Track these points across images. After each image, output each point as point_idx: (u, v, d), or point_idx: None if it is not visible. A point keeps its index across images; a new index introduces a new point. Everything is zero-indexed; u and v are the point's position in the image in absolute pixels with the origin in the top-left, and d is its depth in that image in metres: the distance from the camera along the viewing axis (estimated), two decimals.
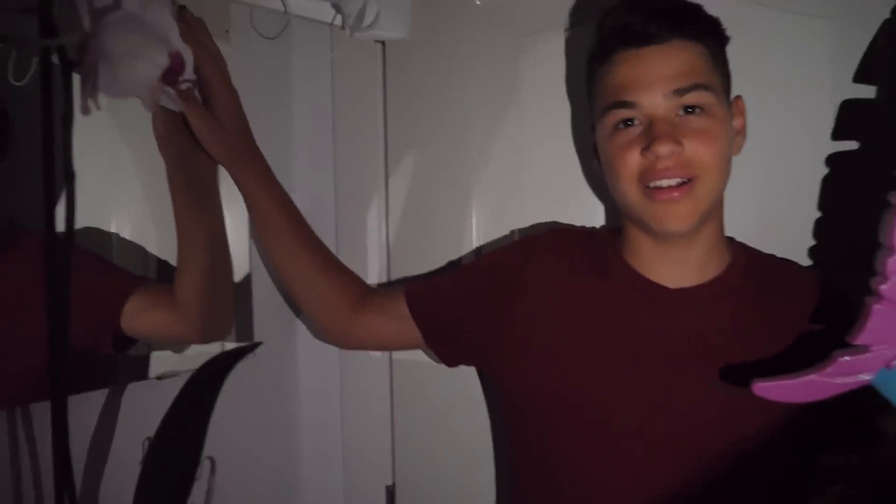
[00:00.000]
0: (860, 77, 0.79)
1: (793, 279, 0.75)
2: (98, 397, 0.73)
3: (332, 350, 1.05)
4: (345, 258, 0.93)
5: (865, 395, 0.56)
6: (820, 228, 0.82)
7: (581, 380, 0.75)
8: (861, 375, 0.53)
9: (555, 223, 0.93)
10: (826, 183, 0.82)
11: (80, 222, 0.63)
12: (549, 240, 0.84)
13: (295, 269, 0.84)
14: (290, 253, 0.83)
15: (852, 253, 0.61)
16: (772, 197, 0.84)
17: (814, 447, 0.70)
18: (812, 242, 0.82)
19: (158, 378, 0.77)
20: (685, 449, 0.71)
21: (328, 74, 1.05)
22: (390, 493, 1.06)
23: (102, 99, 0.47)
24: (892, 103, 0.75)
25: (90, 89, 0.45)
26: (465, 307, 0.84)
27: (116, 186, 0.75)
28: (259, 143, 0.78)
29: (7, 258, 0.63)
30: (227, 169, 0.76)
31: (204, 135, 0.70)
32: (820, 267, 0.80)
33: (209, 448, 0.74)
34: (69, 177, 0.44)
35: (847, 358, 0.53)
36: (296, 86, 1.01)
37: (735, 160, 0.73)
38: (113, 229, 0.74)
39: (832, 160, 0.82)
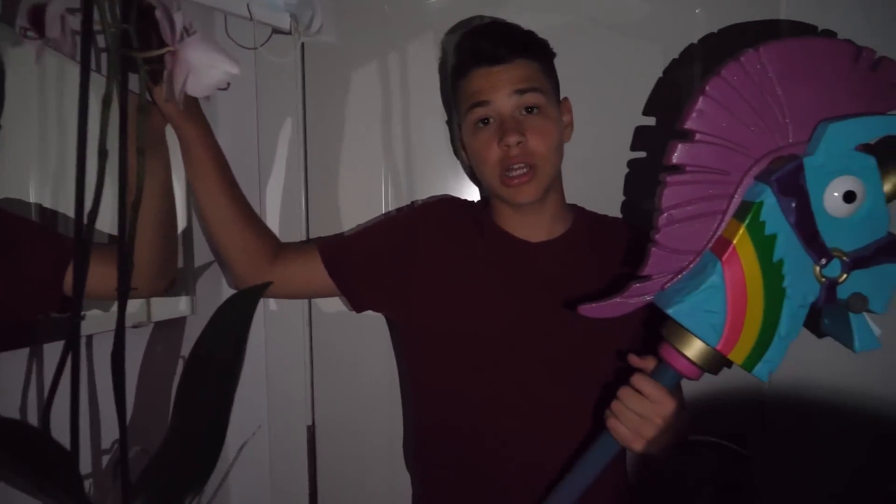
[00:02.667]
0: (647, 111, 1.17)
1: (620, 233, 1.06)
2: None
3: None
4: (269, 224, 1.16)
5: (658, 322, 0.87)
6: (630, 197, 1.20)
7: (466, 315, 1.02)
8: (646, 296, 0.85)
9: (445, 195, 1.21)
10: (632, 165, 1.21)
11: (7, 193, 0.73)
12: (439, 206, 1.12)
13: (221, 215, 1.00)
14: (218, 201, 0.99)
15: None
16: (601, 172, 1.21)
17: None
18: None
19: (135, 327, 0.92)
20: (547, 361, 0.99)
21: (252, 64, 1.24)
22: (311, 431, 1.28)
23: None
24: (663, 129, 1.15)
25: (180, 89, 0.65)
26: (372, 260, 1.08)
27: (41, 158, 0.79)
28: None
29: None
30: (177, 125, 0.93)
31: (162, 98, 0.86)
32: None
33: (143, 395, 0.91)
34: (102, 154, 0.60)
35: (637, 284, 0.84)
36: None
37: (571, 147, 1.05)
38: (33, 199, 0.78)
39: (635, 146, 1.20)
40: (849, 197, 0.79)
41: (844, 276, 0.80)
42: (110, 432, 0.85)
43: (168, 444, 0.75)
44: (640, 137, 1.21)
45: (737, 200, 0.80)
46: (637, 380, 0.86)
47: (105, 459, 0.86)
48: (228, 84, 0.70)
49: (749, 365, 0.82)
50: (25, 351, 0.76)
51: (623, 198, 1.22)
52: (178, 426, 0.77)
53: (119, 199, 0.66)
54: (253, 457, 1.22)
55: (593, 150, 1.17)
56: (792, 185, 0.77)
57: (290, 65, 1.24)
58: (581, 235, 1.06)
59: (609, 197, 1.20)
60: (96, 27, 0.61)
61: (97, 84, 0.62)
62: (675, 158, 0.79)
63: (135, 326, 0.93)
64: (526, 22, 1.06)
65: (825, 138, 0.77)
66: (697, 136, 0.78)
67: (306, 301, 1.28)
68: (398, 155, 1.26)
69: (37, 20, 0.63)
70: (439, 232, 1.08)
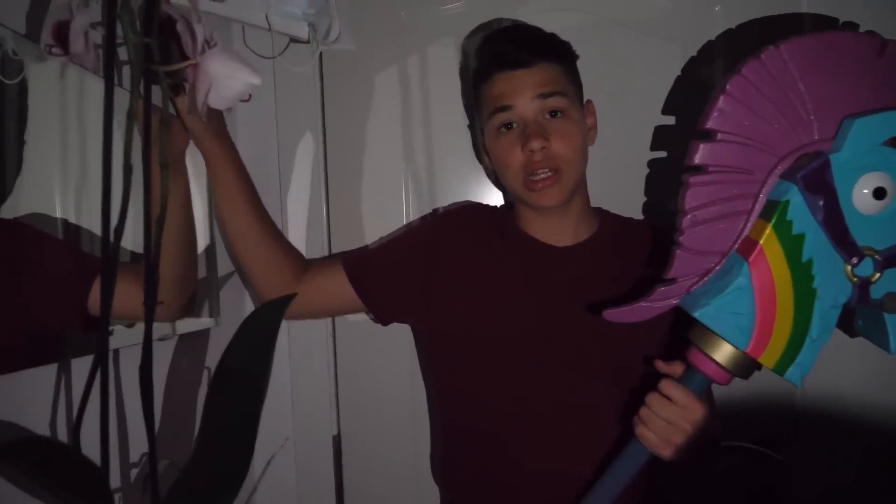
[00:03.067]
0: (667, 110, 1.17)
1: (645, 236, 1.05)
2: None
3: None
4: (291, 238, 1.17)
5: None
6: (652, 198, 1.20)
7: (491, 320, 1.02)
8: (672, 300, 0.84)
9: (467, 201, 1.22)
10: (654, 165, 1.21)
11: (29, 209, 0.73)
12: (462, 213, 1.12)
13: (245, 232, 1.01)
14: (243, 218, 1.00)
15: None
16: (621, 173, 1.21)
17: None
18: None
19: (160, 339, 0.93)
20: (573, 366, 0.99)
21: (270, 74, 1.25)
22: (337, 442, 1.29)
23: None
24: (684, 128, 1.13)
25: (203, 101, 0.66)
26: (395, 273, 1.08)
27: (64, 174, 0.79)
28: None
29: None
30: (202, 142, 0.93)
31: (189, 115, 0.88)
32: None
33: (169, 407, 0.92)
34: (127, 169, 0.60)
35: (662, 288, 0.83)
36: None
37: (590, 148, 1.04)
38: (59, 214, 0.78)
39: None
40: (879, 193, 0.77)
41: (877, 275, 0.79)
42: (138, 445, 0.86)
43: (197, 459, 0.75)
44: (661, 137, 1.20)
45: (762, 200, 0.79)
46: (665, 385, 0.85)
47: (134, 473, 0.87)
48: (250, 95, 0.70)
49: (780, 368, 0.81)
50: (54, 367, 0.77)
51: (644, 199, 1.21)
52: (206, 440, 0.77)
53: (144, 212, 0.67)
54: (279, 468, 1.23)
55: (613, 151, 1.16)
56: (819, 182, 0.76)
57: (309, 74, 1.25)
58: (606, 239, 1.05)
59: (630, 198, 1.19)
60: (119, 41, 0.62)
61: (120, 98, 0.63)
62: (698, 159, 0.78)
63: (159, 339, 0.94)
64: (542, 22, 1.06)
65: (852, 134, 0.76)
66: (719, 136, 0.78)
67: None
68: (419, 161, 1.26)
69: (61, 36, 0.63)
70: (462, 239, 1.08)
